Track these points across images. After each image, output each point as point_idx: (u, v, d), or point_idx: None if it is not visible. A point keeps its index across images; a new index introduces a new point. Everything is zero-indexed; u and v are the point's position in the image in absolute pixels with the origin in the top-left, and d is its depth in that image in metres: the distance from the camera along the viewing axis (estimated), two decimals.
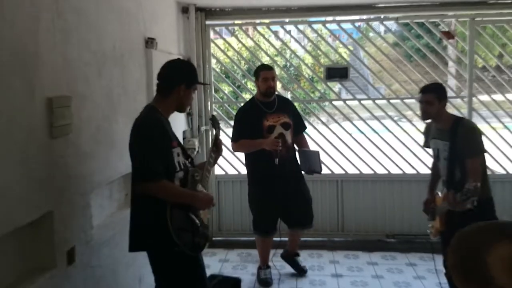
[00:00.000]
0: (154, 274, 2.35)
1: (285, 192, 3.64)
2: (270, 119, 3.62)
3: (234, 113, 4.49)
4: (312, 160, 3.66)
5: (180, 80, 2.31)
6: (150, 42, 3.38)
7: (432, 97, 2.85)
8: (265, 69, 3.70)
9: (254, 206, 3.79)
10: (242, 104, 4.05)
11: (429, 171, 4.60)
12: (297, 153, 3.79)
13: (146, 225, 2.22)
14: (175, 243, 2.14)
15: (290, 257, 3.98)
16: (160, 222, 2.14)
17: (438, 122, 2.93)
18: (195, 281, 2.36)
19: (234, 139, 3.74)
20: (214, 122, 2.78)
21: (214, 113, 4.77)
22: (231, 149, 3.94)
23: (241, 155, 4.72)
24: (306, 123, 4.17)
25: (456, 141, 2.78)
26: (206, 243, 2.43)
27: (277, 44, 10.42)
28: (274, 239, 3.81)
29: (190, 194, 2.30)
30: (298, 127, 3.78)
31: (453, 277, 1.02)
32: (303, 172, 3.79)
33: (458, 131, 2.78)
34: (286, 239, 4.00)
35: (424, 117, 2.97)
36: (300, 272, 3.92)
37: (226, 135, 4.80)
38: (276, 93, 3.78)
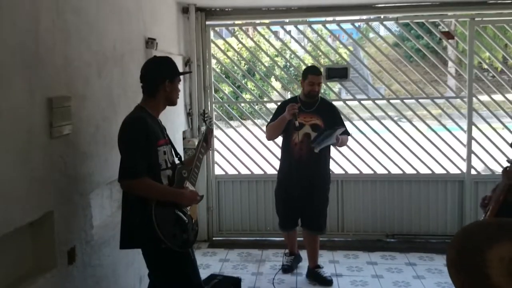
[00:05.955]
0: (148, 269, 2.38)
1: (301, 194, 3.68)
2: (301, 117, 3.63)
3: (234, 113, 4.51)
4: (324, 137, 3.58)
5: (163, 78, 2.34)
6: (150, 43, 3.39)
7: None
8: (314, 73, 3.69)
9: (278, 205, 3.92)
10: (242, 104, 4.10)
11: (429, 171, 4.66)
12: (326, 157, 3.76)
13: (133, 223, 2.23)
14: (162, 240, 2.15)
15: (312, 272, 3.84)
16: (146, 220, 2.14)
17: None
18: (185, 277, 2.37)
19: (267, 125, 3.87)
20: (205, 117, 2.80)
21: (214, 113, 4.77)
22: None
23: (241, 155, 4.75)
24: None
25: None
26: (195, 239, 2.44)
27: (277, 44, 10.42)
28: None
29: (173, 192, 2.30)
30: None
31: (449, 272, 1.03)
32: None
33: None
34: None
35: None
36: (326, 283, 3.74)
37: (226, 135, 4.82)
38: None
